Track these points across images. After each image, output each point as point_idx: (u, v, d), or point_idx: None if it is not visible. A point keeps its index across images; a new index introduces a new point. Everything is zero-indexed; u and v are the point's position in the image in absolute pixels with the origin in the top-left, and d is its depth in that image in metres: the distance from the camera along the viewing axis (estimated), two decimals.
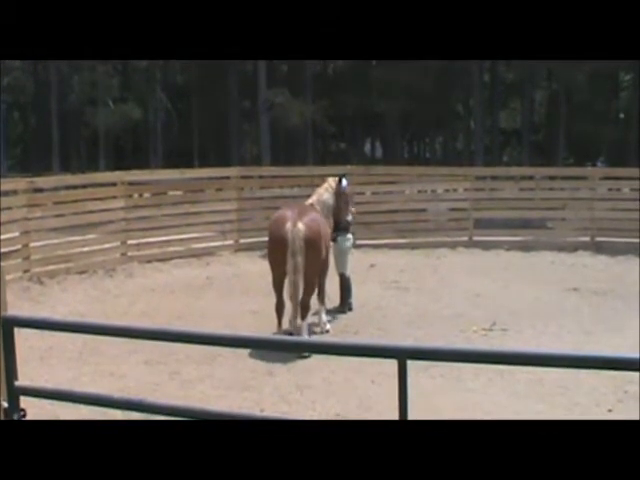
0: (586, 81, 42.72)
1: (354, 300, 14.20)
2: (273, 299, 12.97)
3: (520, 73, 47.22)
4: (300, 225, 11.86)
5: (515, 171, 27.30)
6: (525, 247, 20.60)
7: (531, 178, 24.46)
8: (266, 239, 12.85)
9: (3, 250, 15.26)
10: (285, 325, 12.38)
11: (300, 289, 11.93)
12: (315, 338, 11.71)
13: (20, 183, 18.72)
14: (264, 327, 13.08)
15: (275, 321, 12.44)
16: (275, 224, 12.22)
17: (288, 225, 11.86)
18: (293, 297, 11.94)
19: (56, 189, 20.39)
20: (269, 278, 13.19)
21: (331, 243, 13.56)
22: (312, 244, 12.01)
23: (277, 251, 11.99)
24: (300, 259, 11.77)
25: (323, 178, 14.26)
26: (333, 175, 14.05)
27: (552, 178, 24.40)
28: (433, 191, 23.23)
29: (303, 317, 12.07)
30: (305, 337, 11.66)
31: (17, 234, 17.28)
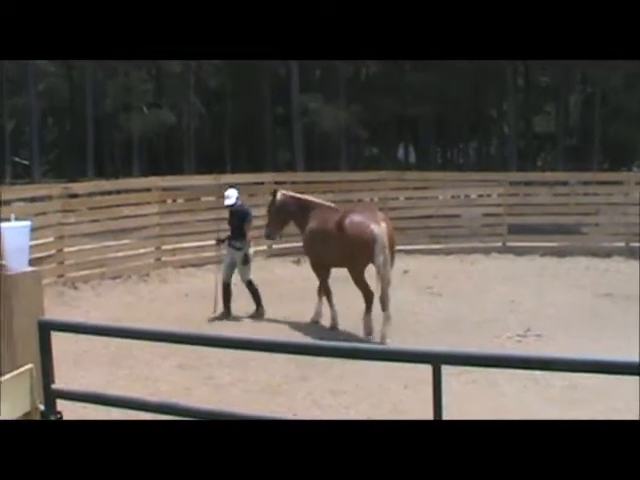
0: (621, 84, 42.44)
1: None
2: (305, 304, 13.85)
3: (554, 77, 46.97)
4: (383, 224, 12.95)
5: (549, 176, 27.14)
6: (559, 253, 20.48)
7: (565, 183, 24.35)
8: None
9: (38, 255, 15.35)
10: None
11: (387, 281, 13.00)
12: (349, 344, 11.69)
13: (55, 189, 18.86)
14: (296, 332, 13.11)
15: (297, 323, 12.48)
16: (358, 226, 13.02)
17: (374, 225, 12.85)
18: (384, 289, 12.92)
19: (90, 195, 20.53)
20: (301, 283, 13.64)
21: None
22: (393, 241, 13.19)
23: (366, 249, 12.79)
24: (388, 254, 12.84)
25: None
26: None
27: (587, 183, 24.25)
28: (467, 196, 23.19)
29: (385, 308, 12.94)
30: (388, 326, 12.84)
31: (52, 239, 17.39)
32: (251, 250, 14.85)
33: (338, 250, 13.29)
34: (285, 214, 14.55)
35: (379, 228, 12.86)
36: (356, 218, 13.21)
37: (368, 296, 13.16)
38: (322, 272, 14.13)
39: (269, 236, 15.00)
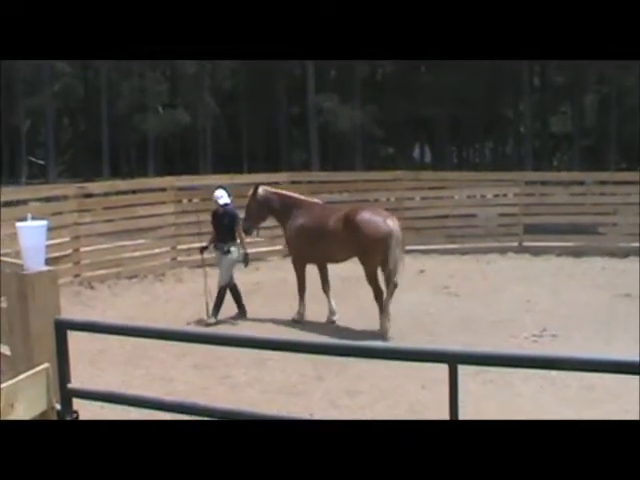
0: (637, 84, 42.26)
1: (403, 305, 14.11)
2: (319, 304, 14.10)
3: (570, 76, 46.87)
4: (396, 221, 13.51)
5: (565, 176, 27.02)
6: (576, 253, 20.41)
7: (582, 183, 24.24)
8: None
9: (54, 255, 15.39)
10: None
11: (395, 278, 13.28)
12: (366, 343, 11.71)
13: (70, 189, 18.90)
14: (310, 332, 13.09)
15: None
16: (374, 222, 13.36)
17: (389, 221, 13.35)
18: (391, 282, 13.21)
19: (106, 194, 20.56)
20: (317, 283, 13.62)
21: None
22: (403, 238, 13.74)
23: (382, 245, 13.14)
24: (402, 248, 13.58)
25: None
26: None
27: (603, 183, 24.12)
28: (482, 196, 23.14)
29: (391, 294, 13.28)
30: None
31: (68, 239, 17.44)
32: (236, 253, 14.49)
33: (346, 246, 13.56)
34: (266, 210, 14.76)
35: (393, 223, 13.33)
36: (368, 215, 13.52)
37: (378, 293, 13.32)
38: (304, 267, 14.48)
39: (247, 230, 14.96)
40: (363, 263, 13.53)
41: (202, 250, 14.72)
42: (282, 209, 14.60)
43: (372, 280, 13.39)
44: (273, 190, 15.04)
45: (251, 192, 14.89)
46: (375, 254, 13.26)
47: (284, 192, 15.07)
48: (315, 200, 15.23)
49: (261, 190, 14.76)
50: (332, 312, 14.12)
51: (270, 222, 15.57)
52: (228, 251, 14.20)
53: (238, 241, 14.37)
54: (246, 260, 14.48)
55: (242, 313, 14.48)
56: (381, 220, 13.37)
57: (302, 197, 15.00)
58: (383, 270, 13.33)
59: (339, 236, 13.52)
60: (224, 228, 14.38)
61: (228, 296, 14.36)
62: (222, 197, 14.43)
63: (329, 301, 14.19)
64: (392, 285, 13.26)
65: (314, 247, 13.98)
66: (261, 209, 14.73)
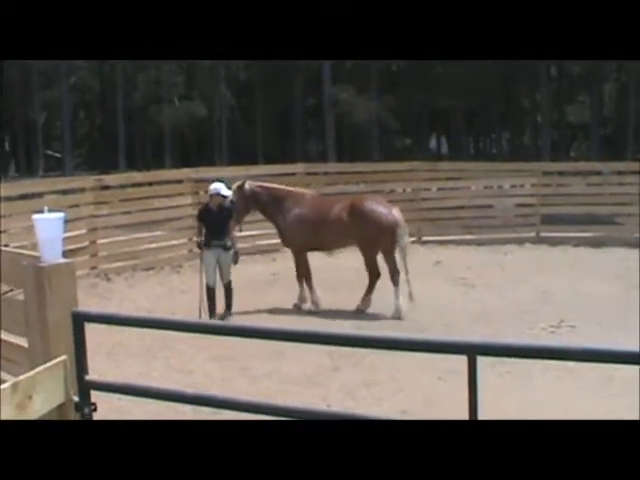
0: None
1: (419, 296, 14.07)
2: (336, 294, 14.45)
3: (588, 66, 46.67)
4: (399, 210, 14.02)
5: (583, 166, 26.94)
6: (593, 243, 20.33)
7: (599, 173, 24.13)
8: None
9: (71, 247, 15.43)
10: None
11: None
12: (383, 333, 11.71)
13: (87, 181, 18.96)
14: (327, 323, 13.06)
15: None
16: (380, 211, 13.90)
17: (394, 211, 13.91)
18: (406, 265, 13.71)
19: (122, 187, 20.59)
20: (332, 274, 13.78)
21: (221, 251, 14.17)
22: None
23: (389, 233, 13.75)
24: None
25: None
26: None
27: (621, 173, 24.00)
28: (500, 187, 23.08)
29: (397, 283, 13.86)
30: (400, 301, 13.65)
31: (84, 231, 17.51)
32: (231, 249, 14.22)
33: (350, 234, 13.94)
34: (253, 204, 14.68)
35: (398, 212, 13.94)
36: (375, 204, 14.05)
37: (374, 278, 13.96)
38: (306, 257, 14.68)
39: None
40: (365, 250, 14.00)
41: (200, 246, 14.34)
42: (272, 202, 14.63)
43: (371, 265, 13.96)
44: (259, 184, 14.99)
45: (236, 187, 14.69)
46: (379, 242, 13.81)
47: (271, 185, 15.09)
48: (305, 190, 15.45)
49: (247, 184, 14.67)
50: (302, 299, 14.58)
51: None
52: (229, 247, 14.02)
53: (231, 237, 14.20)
54: (236, 258, 14.24)
55: (212, 317, 14.10)
56: (388, 210, 13.92)
57: (291, 188, 15.10)
58: (387, 259, 13.89)
59: (344, 225, 13.84)
60: (220, 223, 13.98)
61: (237, 292, 14.28)
62: (222, 189, 14.07)
63: (302, 288, 14.56)
64: (398, 273, 13.82)
65: (315, 236, 14.24)
66: (248, 204, 14.61)
